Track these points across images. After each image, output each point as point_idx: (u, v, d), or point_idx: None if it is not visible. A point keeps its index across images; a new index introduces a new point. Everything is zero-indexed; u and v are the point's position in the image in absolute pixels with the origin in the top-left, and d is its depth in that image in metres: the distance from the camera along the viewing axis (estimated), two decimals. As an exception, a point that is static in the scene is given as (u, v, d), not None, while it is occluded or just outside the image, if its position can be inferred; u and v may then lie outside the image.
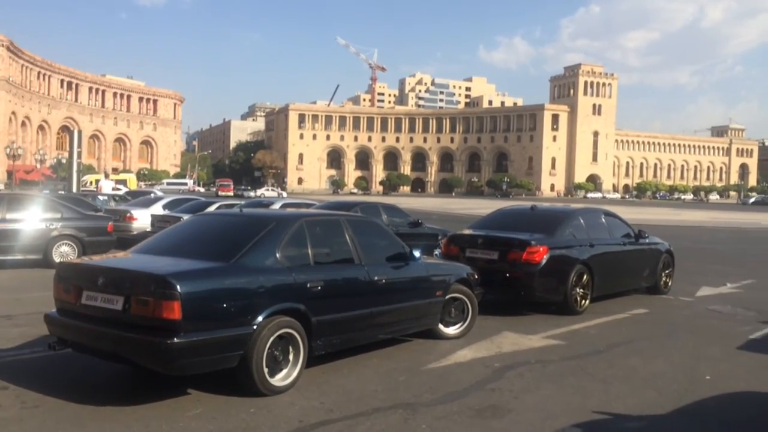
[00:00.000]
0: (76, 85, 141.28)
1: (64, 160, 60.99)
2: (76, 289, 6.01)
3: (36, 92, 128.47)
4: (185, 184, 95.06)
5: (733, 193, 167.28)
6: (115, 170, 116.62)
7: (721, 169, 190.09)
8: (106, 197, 28.52)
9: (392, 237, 8.00)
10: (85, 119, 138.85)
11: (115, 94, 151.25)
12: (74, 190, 35.52)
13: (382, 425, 5.31)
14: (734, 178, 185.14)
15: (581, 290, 10.48)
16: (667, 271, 13.01)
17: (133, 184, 64.62)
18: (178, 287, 5.36)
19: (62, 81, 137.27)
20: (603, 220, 12.02)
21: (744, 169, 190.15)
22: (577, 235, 10.91)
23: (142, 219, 19.85)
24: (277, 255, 6.29)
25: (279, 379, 6.04)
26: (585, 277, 10.54)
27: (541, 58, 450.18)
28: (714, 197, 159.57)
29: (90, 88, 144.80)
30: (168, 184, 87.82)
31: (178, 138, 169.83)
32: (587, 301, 10.59)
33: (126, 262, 6.43)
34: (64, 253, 14.73)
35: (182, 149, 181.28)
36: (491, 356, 7.66)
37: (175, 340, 5.31)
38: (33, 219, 14.70)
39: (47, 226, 14.75)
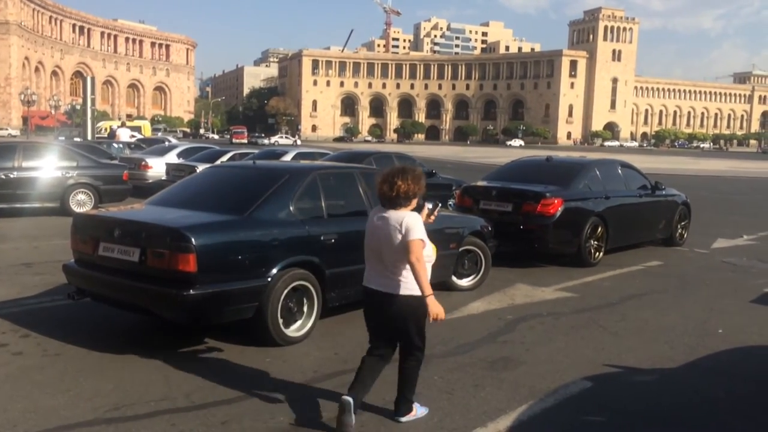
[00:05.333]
0: (88, 29, 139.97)
1: (78, 106, 60.83)
2: (93, 241, 6.08)
3: (48, 37, 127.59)
4: (158, 130, 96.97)
5: (753, 142, 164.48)
6: (129, 116, 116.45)
7: (742, 117, 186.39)
8: (121, 145, 28.58)
9: (406, 189, 7.95)
10: (97, 65, 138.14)
11: (127, 39, 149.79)
12: (89, 137, 35.68)
13: (395, 376, 5.37)
14: (755, 126, 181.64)
15: (595, 242, 10.46)
16: (683, 223, 12.92)
17: (147, 131, 64.42)
18: (193, 240, 5.40)
19: (74, 25, 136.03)
20: (619, 171, 11.90)
21: (766, 117, 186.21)
22: (592, 187, 10.81)
23: (156, 167, 19.92)
24: (291, 208, 6.31)
25: (294, 330, 6.14)
26: (599, 229, 10.50)
27: (561, 1, 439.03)
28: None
29: (102, 33, 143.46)
30: (154, 130, 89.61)
31: (191, 84, 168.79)
32: (601, 254, 10.58)
33: (142, 215, 6.48)
34: (81, 201, 14.87)
35: (196, 95, 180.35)
36: (504, 308, 7.72)
37: (191, 291, 5.39)
38: (49, 167, 14.80)
39: (63, 174, 14.85)
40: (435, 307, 4.15)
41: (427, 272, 4.22)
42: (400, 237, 4.17)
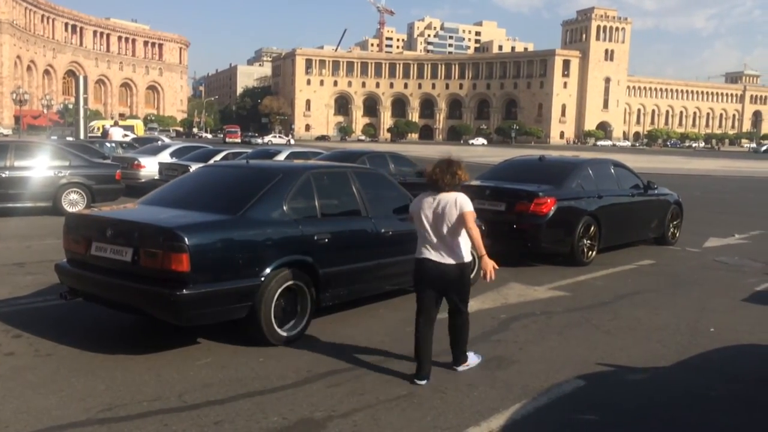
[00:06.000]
0: (81, 28, 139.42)
1: (70, 105, 60.58)
2: (85, 240, 6.06)
3: (40, 36, 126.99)
4: (154, 129, 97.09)
5: (744, 141, 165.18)
6: (121, 116, 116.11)
7: (734, 116, 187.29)
8: (113, 144, 28.48)
9: (399, 189, 7.97)
10: (90, 63, 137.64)
11: (119, 38, 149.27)
12: (81, 136, 35.56)
13: (388, 376, 5.40)
14: (747, 126, 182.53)
15: (588, 241, 10.49)
16: (675, 222, 12.98)
17: (140, 130, 64.23)
18: (187, 240, 5.38)
19: (66, 24, 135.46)
20: (612, 171, 11.94)
21: (757, 116, 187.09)
22: (585, 186, 10.85)
23: (149, 167, 19.88)
24: (284, 207, 6.30)
25: (287, 330, 6.13)
26: (592, 228, 10.54)
27: (554, 1, 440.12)
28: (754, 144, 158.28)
29: (94, 32, 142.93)
30: (149, 129, 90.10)
31: (184, 83, 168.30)
32: (594, 253, 10.61)
33: (134, 214, 6.46)
34: (73, 200, 14.81)
35: (189, 95, 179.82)
36: (497, 307, 7.73)
37: (184, 291, 5.37)
38: (41, 167, 14.74)
39: (55, 173, 14.79)
40: (487, 265, 5.25)
41: (480, 238, 5.30)
42: (455, 212, 5.18)
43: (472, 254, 5.56)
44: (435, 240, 5.27)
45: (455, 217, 5.18)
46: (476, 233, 5.23)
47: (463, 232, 5.22)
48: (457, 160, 5.38)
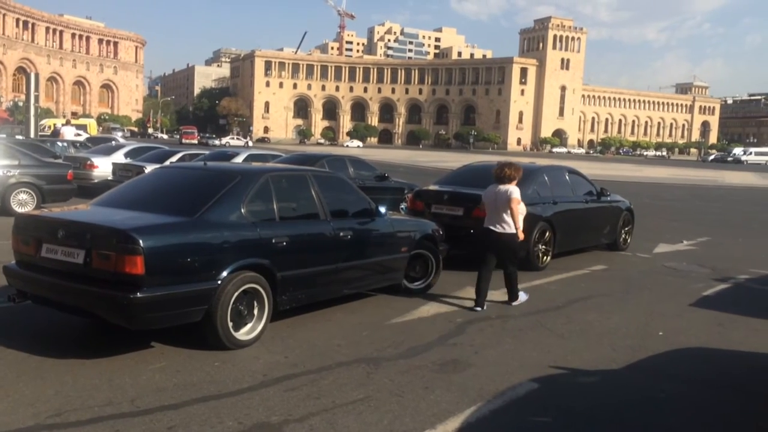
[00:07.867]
0: (33, 24, 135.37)
1: (21, 103, 58.77)
2: (35, 242, 5.90)
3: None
4: (118, 129, 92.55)
5: (693, 150, 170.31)
6: (74, 114, 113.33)
7: (683, 126, 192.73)
8: (65, 143, 27.75)
9: (358, 193, 7.98)
10: (42, 60, 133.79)
11: (73, 35, 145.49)
12: (32, 135, 34.54)
13: (345, 379, 5.40)
14: (696, 136, 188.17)
15: (543, 247, 10.67)
16: (626, 229, 13.30)
17: (93, 129, 62.72)
18: (141, 242, 5.29)
19: (17, 20, 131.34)
20: (567, 177, 12.17)
21: (705, 126, 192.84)
22: (541, 192, 11.03)
23: (103, 167, 19.43)
24: (242, 210, 6.24)
25: (243, 333, 6.08)
26: (547, 234, 10.72)
27: (513, 9, 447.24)
28: (694, 154, 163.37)
29: (47, 28, 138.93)
30: (112, 129, 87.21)
31: (140, 82, 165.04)
32: (548, 258, 10.80)
33: (87, 215, 6.31)
34: (23, 201, 14.39)
35: (144, 94, 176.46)
36: (454, 311, 7.80)
37: (138, 294, 5.27)
38: (-12, 165, 14.26)
39: (4, 173, 14.34)
40: (522, 235, 7.97)
41: (520, 220, 7.92)
42: (507, 198, 7.75)
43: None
44: (495, 216, 7.81)
45: (508, 201, 7.69)
46: (516, 213, 7.75)
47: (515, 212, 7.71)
48: (515, 163, 8.16)
